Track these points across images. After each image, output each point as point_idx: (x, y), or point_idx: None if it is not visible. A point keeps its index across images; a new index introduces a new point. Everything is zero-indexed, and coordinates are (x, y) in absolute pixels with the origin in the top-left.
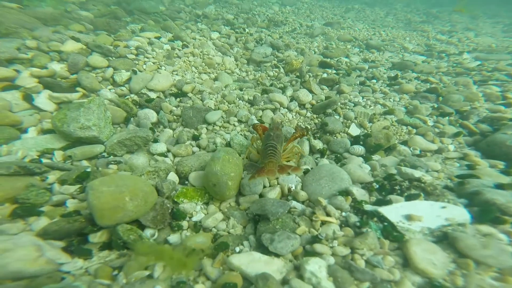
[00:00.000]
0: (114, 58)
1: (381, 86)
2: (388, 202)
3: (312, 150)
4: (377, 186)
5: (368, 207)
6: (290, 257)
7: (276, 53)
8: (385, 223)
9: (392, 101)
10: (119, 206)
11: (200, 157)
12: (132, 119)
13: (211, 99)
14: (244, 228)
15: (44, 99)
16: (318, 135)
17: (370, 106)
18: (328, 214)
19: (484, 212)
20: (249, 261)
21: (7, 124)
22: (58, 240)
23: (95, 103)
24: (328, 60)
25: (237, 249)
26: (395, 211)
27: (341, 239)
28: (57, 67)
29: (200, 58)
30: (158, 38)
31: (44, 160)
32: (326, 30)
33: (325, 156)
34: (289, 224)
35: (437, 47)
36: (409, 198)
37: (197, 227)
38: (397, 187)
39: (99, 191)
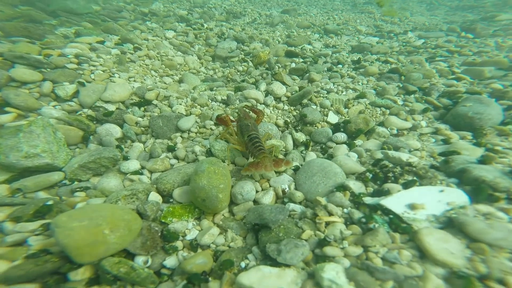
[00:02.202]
0: (48, 69)
1: (347, 70)
2: (387, 192)
3: (296, 143)
4: (371, 175)
5: (368, 200)
6: (301, 265)
7: (242, 46)
8: (391, 216)
9: (361, 84)
10: (99, 240)
11: (181, 171)
12: (91, 137)
13: (180, 104)
14: (245, 239)
15: None
16: (299, 128)
17: (342, 92)
18: (330, 213)
19: (477, 191)
20: (260, 278)
21: None
22: (26, 283)
23: (37, 125)
24: (293, 48)
25: (243, 264)
26: (397, 201)
27: (350, 238)
28: None
29: (158, 60)
30: (102, 42)
31: None
32: (285, 18)
33: (310, 148)
34: (293, 230)
35: (384, 28)
36: (406, 185)
37: (193, 246)
38: (390, 174)
39: (68, 228)
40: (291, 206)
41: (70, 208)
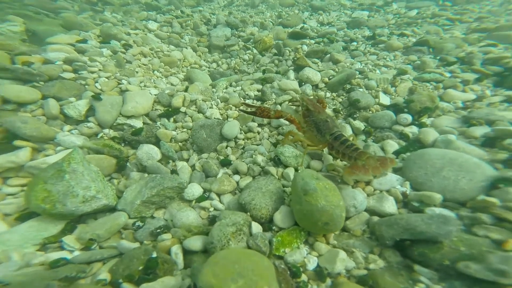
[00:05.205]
0: (42, 83)
1: (366, 48)
2: None
3: (355, 133)
4: None
5: None
6: None
7: (236, 32)
8: None
9: (389, 60)
10: None
11: (263, 189)
12: (128, 164)
13: (211, 107)
14: (382, 257)
15: None
16: (357, 116)
17: (375, 70)
18: None
19: None
20: None
21: None
22: None
23: (76, 161)
24: (293, 29)
25: None
26: None
27: None
28: None
29: (155, 57)
30: (84, 41)
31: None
32: None
33: (371, 136)
34: (477, 241)
35: (364, 0)
36: None
37: (323, 276)
38: None
39: None
40: (437, 211)
41: (166, 254)
